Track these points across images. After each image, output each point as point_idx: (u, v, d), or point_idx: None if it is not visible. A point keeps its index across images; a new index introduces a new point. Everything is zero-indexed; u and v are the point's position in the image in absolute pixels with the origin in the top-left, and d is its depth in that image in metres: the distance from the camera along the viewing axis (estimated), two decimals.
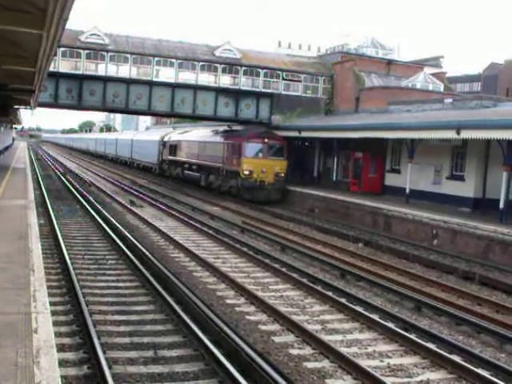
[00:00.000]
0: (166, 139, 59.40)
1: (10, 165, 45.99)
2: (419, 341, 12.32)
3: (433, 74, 47.37)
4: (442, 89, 45.57)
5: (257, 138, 40.60)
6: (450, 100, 36.27)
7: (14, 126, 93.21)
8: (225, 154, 42.44)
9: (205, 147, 47.28)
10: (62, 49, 38.50)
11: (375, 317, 13.91)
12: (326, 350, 11.58)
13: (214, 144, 45.18)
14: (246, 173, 39.29)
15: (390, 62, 50.19)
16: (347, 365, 10.90)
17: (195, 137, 52.07)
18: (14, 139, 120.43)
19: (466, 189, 31.44)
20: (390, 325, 13.36)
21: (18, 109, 49.44)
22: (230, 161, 41.55)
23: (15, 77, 22.29)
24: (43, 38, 12.64)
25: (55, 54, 19.27)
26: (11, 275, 10.48)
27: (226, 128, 50.15)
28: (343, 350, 11.75)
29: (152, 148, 63.57)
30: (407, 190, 32.89)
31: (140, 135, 78.68)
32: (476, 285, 19.36)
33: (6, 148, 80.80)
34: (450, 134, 28.09)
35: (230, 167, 41.29)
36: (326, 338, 12.40)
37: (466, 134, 27.33)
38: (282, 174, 39.99)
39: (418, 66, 51.01)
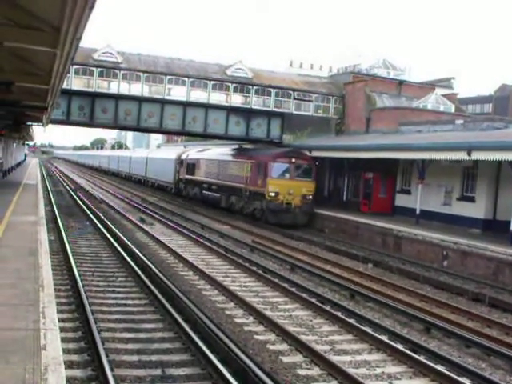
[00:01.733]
0: (183, 157, 57.44)
1: (22, 181, 46.19)
2: (428, 363, 12.25)
3: (444, 95, 47.38)
4: (453, 110, 45.59)
5: (284, 158, 38.47)
6: (461, 121, 36.29)
7: (26, 142, 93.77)
8: (248, 174, 40.38)
9: (226, 166, 45.26)
10: (74, 66, 38.78)
11: (384, 338, 13.85)
12: (335, 371, 11.53)
13: (237, 163, 43.30)
14: (272, 194, 37.07)
15: (401, 83, 50.25)
16: None
17: (215, 155, 49.98)
18: (25, 155, 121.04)
19: (477, 210, 31.35)
20: (399, 346, 13.29)
21: (30, 125, 49.69)
22: (254, 181, 39.44)
23: (28, 94, 22.46)
24: (57, 56, 12.74)
25: (68, 72, 19.39)
26: (21, 291, 10.51)
27: (248, 146, 49.92)
28: (352, 371, 11.68)
29: (168, 166, 61.55)
30: (417, 211, 32.83)
31: (155, 153, 76.68)
32: (486, 307, 19.26)
33: (18, 164, 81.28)
34: (461, 156, 28.07)
35: (254, 188, 39.22)
36: (334, 358, 12.35)
37: (476, 156, 27.29)
38: (310, 196, 37.74)
39: (429, 86, 51.00)
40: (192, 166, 53.36)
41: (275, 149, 41.89)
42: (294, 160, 37.98)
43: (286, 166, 38.04)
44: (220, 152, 50.36)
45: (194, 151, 57.38)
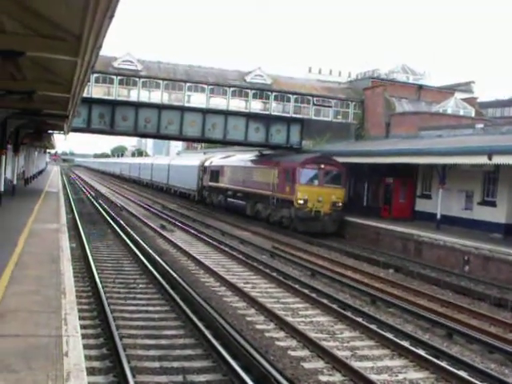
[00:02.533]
0: (206, 164, 56.38)
1: (44, 189, 46.53)
2: (451, 368, 12.18)
3: (464, 99, 47.19)
4: (473, 114, 45.34)
5: (313, 164, 37.05)
6: (481, 125, 36.10)
7: (47, 150, 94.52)
8: (276, 181, 39.04)
9: (252, 173, 44.23)
10: (95, 75, 39.08)
11: (406, 343, 13.78)
12: (357, 377, 11.48)
13: (263, 169, 42.15)
14: (301, 202, 35.66)
15: (420, 88, 50.11)
16: None
17: (240, 161, 48.92)
18: (47, 163, 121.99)
19: (498, 214, 31.13)
20: (421, 352, 13.21)
21: (51, 134, 50.14)
22: (281, 188, 38.10)
23: (50, 102, 22.70)
24: (78, 65, 12.86)
25: (88, 80, 19.56)
26: (43, 298, 10.58)
27: (268, 152, 49.56)
28: (373, 377, 11.65)
29: (191, 173, 60.55)
30: (438, 216, 32.64)
31: (177, 160, 75.48)
32: (508, 312, 19.12)
33: (40, 172, 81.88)
34: (482, 160, 27.86)
35: (282, 195, 37.88)
36: (355, 364, 12.31)
37: (497, 160, 27.09)
38: (340, 204, 36.31)
39: (448, 91, 50.85)
40: (216, 173, 52.36)
41: (303, 154, 40.62)
42: (323, 166, 36.85)
43: (315, 173, 36.89)
44: (245, 158, 49.46)
45: (217, 158, 56.44)
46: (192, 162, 63.90)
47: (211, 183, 53.50)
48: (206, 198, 55.47)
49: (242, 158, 50.14)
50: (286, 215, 37.46)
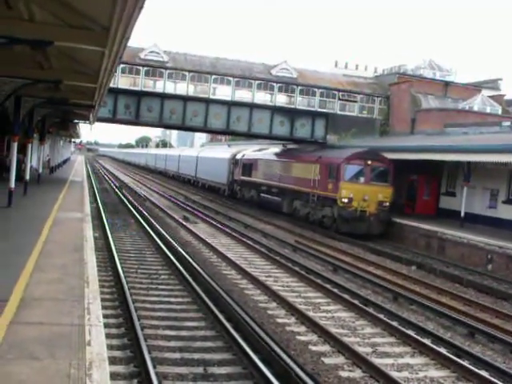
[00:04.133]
0: (238, 157, 53.96)
1: (68, 178, 46.90)
2: (472, 368, 12.10)
3: (491, 97, 46.76)
4: (499, 111, 44.94)
5: (358, 159, 34.44)
6: (508, 123, 35.78)
7: (72, 139, 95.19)
8: (317, 177, 36.45)
9: (289, 167, 41.80)
10: (121, 65, 39.18)
11: (427, 341, 13.71)
12: (377, 374, 11.46)
13: (303, 164, 39.59)
14: (345, 200, 33.20)
15: (447, 84, 49.69)
16: None
17: (276, 155, 46.89)
18: (72, 153, 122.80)
19: None
20: (443, 350, 13.14)
21: (77, 123, 50.48)
22: (323, 185, 35.53)
23: (76, 92, 22.86)
24: (105, 56, 12.93)
25: (115, 71, 19.65)
26: (66, 287, 10.67)
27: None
28: (394, 374, 11.61)
29: (221, 167, 58.04)
30: (462, 214, 32.39)
31: (207, 152, 72.51)
32: None
33: (65, 161, 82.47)
34: (508, 158, 27.60)
35: (324, 193, 35.35)
36: (376, 361, 12.28)
37: None
38: (387, 203, 33.78)
39: (475, 88, 50.38)
40: (249, 167, 50.08)
41: (347, 149, 37.79)
42: (369, 162, 34.19)
43: (361, 169, 34.35)
44: (281, 151, 48.00)
45: (250, 150, 54.20)
46: (222, 154, 61.78)
47: (243, 177, 51.30)
48: (237, 192, 53.33)
49: (277, 152, 48.39)
50: (328, 214, 35.06)
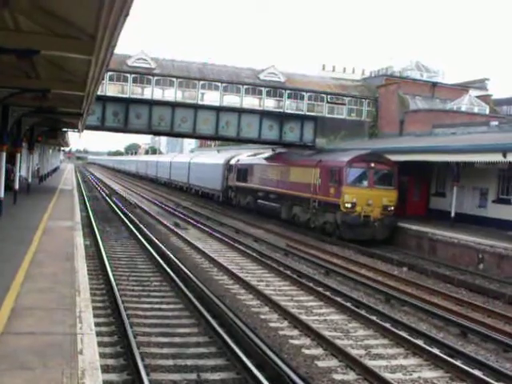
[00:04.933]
0: (232, 162, 52.54)
1: (58, 186, 46.80)
2: (465, 367, 12.12)
3: (478, 97, 46.96)
4: (487, 111, 45.14)
5: (361, 162, 33.01)
6: (495, 122, 35.95)
7: (61, 148, 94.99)
8: (317, 182, 35.00)
9: (287, 172, 40.17)
10: (109, 73, 39.15)
11: (420, 342, 13.74)
12: (370, 376, 11.47)
13: (302, 168, 38.11)
14: (348, 206, 31.81)
15: (434, 85, 49.87)
16: None
17: (273, 159, 45.53)
18: (61, 161, 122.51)
19: None
20: (436, 351, 13.17)
21: (66, 131, 50.38)
22: (324, 190, 34.11)
23: (64, 101, 22.83)
24: (92, 64, 12.93)
25: (103, 78, 19.64)
26: (58, 295, 10.65)
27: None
28: (387, 375, 11.63)
29: (215, 172, 56.36)
30: (452, 214, 32.47)
31: (199, 158, 70.63)
32: None
33: (54, 170, 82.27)
34: (496, 157, 27.67)
35: (325, 198, 33.89)
36: (370, 363, 12.29)
37: None
38: (392, 208, 32.42)
39: (462, 88, 50.56)
40: (244, 172, 48.58)
41: (349, 151, 36.15)
42: (373, 165, 32.74)
43: (364, 172, 32.92)
44: (277, 156, 46.59)
45: (244, 155, 52.77)
46: (216, 159, 60.20)
47: (238, 183, 49.79)
48: (233, 199, 51.66)
49: (273, 156, 47.14)
50: (330, 221, 33.59)
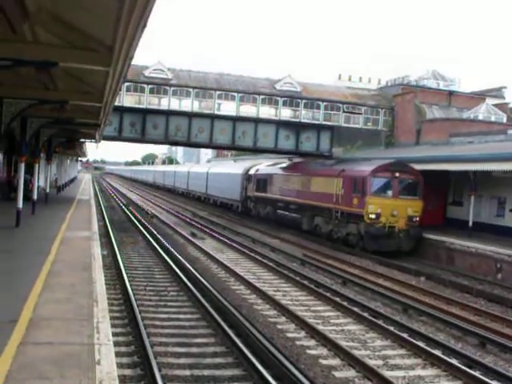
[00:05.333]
0: (251, 172, 51.80)
1: (75, 196, 47.04)
2: (484, 378, 12.03)
3: (495, 105, 46.79)
4: (504, 120, 44.94)
5: (386, 171, 32.18)
6: None
7: (79, 158, 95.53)
8: (340, 192, 34.09)
9: (309, 182, 39.26)
10: (126, 83, 39.40)
11: (438, 352, 13.65)
12: None
13: (323, 178, 37.12)
14: (372, 216, 30.97)
15: (451, 94, 49.78)
16: None
17: (293, 169, 44.65)
18: (78, 171, 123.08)
19: None
20: (454, 361, 13.09)
21: (83, 142, 50.69)
22: (347, 200, 33.19)
23: (82, 112, 23.01)
24: (110, 75, 13.02)
25: (120, 89, 19.77)
26: (75, 306, 10.69)
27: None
28: None
29: (233, 182, 55.75)
30: (470, 223, 32.28)
31: (217, 167, 69.86)
32: None
33: (72, 180, 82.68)
34: None
35: (348, 208, 33.03)
36: (387, 373, 12.23)
37: None
38: (417, 218, 31.58)
39: (479, 96, 50.42)
40: (263, 182, 47.73)
41: (373, 160, 35.32)
42: (397, 174, 31.93)
43: (389, 182, 32.15)
44: (297, 165, 45.81)
45: (264, 165, 52.14)
46: (234, 169, 59.54)
47: (257, 193, 49.00)
48: (252, 209, 50.82)
49: (293, 165, 46.56)
50: (353, 232, 32.65)
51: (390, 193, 32.09)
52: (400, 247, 31.15)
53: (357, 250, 31.82)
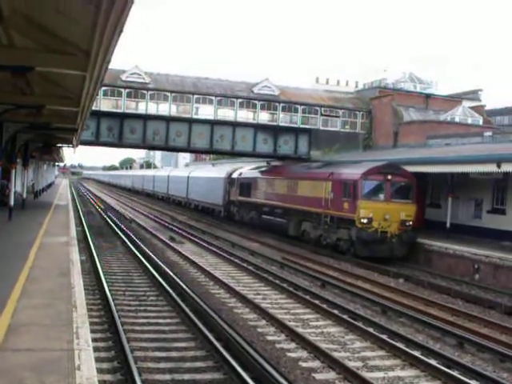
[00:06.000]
0: (234, 176, 50.36)
1: (53, 202, 46.71)
2: (463, 378, 12.13)
3: (471, 108, 47.21)
4: (481, 122, 45.37)
5: (377, 174, 30.99)
6: (489, 133, 36.07)
7: (56, 163, 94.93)
8: (328, 196, 32.83)
9: (295, 186, 38.02)
10: (103, 88, 39.21)
11: (417, 353, 13.73)
12: None
13: (312, 182, 35.86)
14: (364, 221, 29.81)
15: (428, 96, 50.19)
16: None
17: (279, 173, 43.33)
18: (56, 176, 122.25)
19: (508, 222, 31.01)
20: (433, 361, 13.17)
21: (60, 147, 50.41)
22: (337, 204, 31.91)
23: (59, 116, 22.90)
24: (86, 79, 12.99)
25: (97, 94, 19.69)
26: (54, 311, 10.62)
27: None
28: None
29: (215, 187, 54.36)
30: (447, 225, 32.50)
31: (199, 171, 68.40)
32: None
33: (49, 185, 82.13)
34: (491, 168, 27.74)
35: (338, 213, 31.78)
36: (367, 375, 12.28)
37: (506, 168, 26.94)
38: (410, 223, 30.47)
39: (456, 99, 50.83)
40: (247, 186, 46.42)
41: (363, 163, 34.31)
42: (389, 177, 30.75)
43: (381, 185, 30.99)
44: (283, 169, 44.66)
45: (248, 168, 50.81)
46: (217, 173, 58.18)
47: (241, 197, 47.51)
48: (235, 214, 49.34)
49: (279, 169, 45.48)
50: (344, 237, 31.48)
51: (381, 196, 31.03)
52: (392, 253, 30.13)
53: (348, 256, 30.85)
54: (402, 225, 30.21)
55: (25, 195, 38.81)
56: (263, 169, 47.70)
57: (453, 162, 30.62)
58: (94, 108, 30.38)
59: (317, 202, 33.99)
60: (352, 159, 38.88)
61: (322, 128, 45.90)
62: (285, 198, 39.30)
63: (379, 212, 29.88)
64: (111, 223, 41.50)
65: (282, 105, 45.09)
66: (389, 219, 29.91)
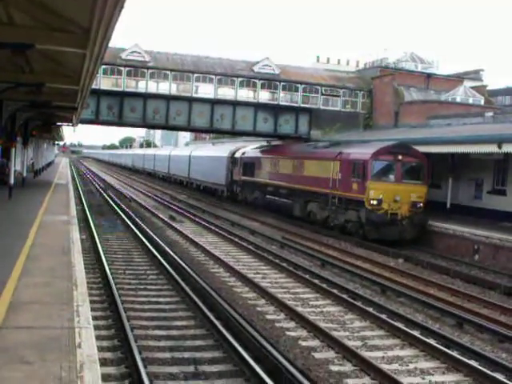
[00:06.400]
0: (237, 155, 49.59)
1: (53, 181, 46.67)
2: (461, 358, 12.18)
3: (473, 88, 46.98)
4: (482, 102, 45.18)
5: (387, 155, 30.23)
6: (490, 113, 35.92)
7: (56, 142, 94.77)
8: (336, 176, 31.93)
9: (301, 166, 37.22)
10: (103, 66, 39.02)
11: (416, 333, 13.78)
12: (367, 367, 11.51)
13: (319, 162, 35.00)
14: (374, 202, 29.04)
15: (429, 76, 49.97)
16: (389, 382, 10.81)
17: (284, 152, 42.87)
18: (56, 155, 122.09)
19: (508, 203, 31.00)
20: (432, 341, 13.22)
21: (60, 125, 50.26)
22: (346, 185, 31.07)
23: (59, 95, 22.77)
24: (86, 57, 12.91)
25: (97, 72, 19.61)
26: (55, 290, 10.63)
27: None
28: (384, 366, 11.66)
29: (218, 166, 53.10)
30: (448, 205, 32.50)
31: (200, 150, 67.42)
32: None
33: (49, 164, 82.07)
34: (491, 148, 27.68)
35: (347, 194, 30.91)
36: (366, 354, 12.33)
37: (507, 148, 26.88)
38: (421, 204, 29.66)
39: (457, 79, 50.62)
40: (251, 166, 45.66)
41: (373, 143, 33.55)
42: (400, 157, 29.87)
43: (392, 165, 30.20)
44: (289, 148, 44.11)
45: (251, 147, 50.02)
46: (219, 152, 56.89)
47: (245, 177, 46.68)
48: (238, 194, 48.55)
49: (285, 148, 45.03)
50: (353, 219, 30.67)
51: (392, 177, 30.22)
52: (402, 235, 29.28)
53: (356, 238, 30.01)
54: (412, 206, 29.48)
55: (25, 174, 38.79)
56: (267, 148, 47.14)
57: (453, 142, 30.53)
58: (93, 86, 30.25)
59: (324, 183, 33.19)
60: (359, 138, 38.72)
61: (322, 107, 45.75)
62: (290, 178, 38.58)
63: (389, 193, 29.21)
64: (111, 202, 41.47)
65: (282, 84, 44.91)
66: (399, 201, 29.21)
